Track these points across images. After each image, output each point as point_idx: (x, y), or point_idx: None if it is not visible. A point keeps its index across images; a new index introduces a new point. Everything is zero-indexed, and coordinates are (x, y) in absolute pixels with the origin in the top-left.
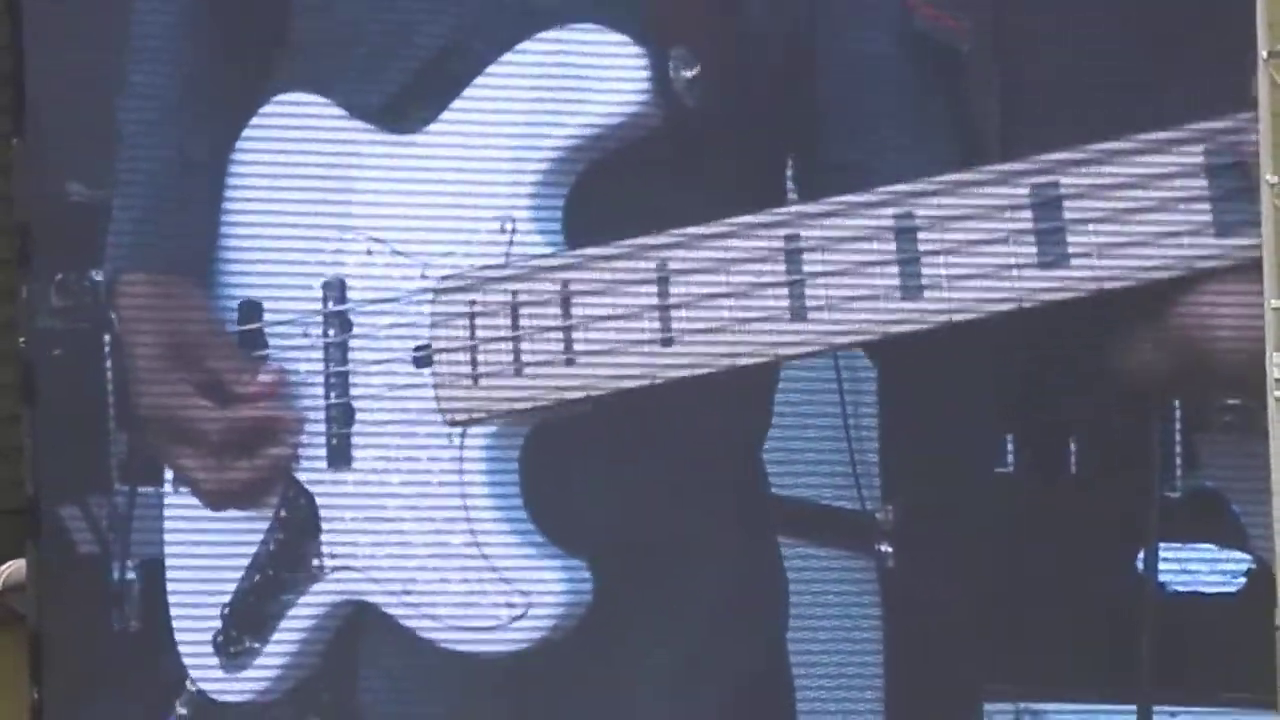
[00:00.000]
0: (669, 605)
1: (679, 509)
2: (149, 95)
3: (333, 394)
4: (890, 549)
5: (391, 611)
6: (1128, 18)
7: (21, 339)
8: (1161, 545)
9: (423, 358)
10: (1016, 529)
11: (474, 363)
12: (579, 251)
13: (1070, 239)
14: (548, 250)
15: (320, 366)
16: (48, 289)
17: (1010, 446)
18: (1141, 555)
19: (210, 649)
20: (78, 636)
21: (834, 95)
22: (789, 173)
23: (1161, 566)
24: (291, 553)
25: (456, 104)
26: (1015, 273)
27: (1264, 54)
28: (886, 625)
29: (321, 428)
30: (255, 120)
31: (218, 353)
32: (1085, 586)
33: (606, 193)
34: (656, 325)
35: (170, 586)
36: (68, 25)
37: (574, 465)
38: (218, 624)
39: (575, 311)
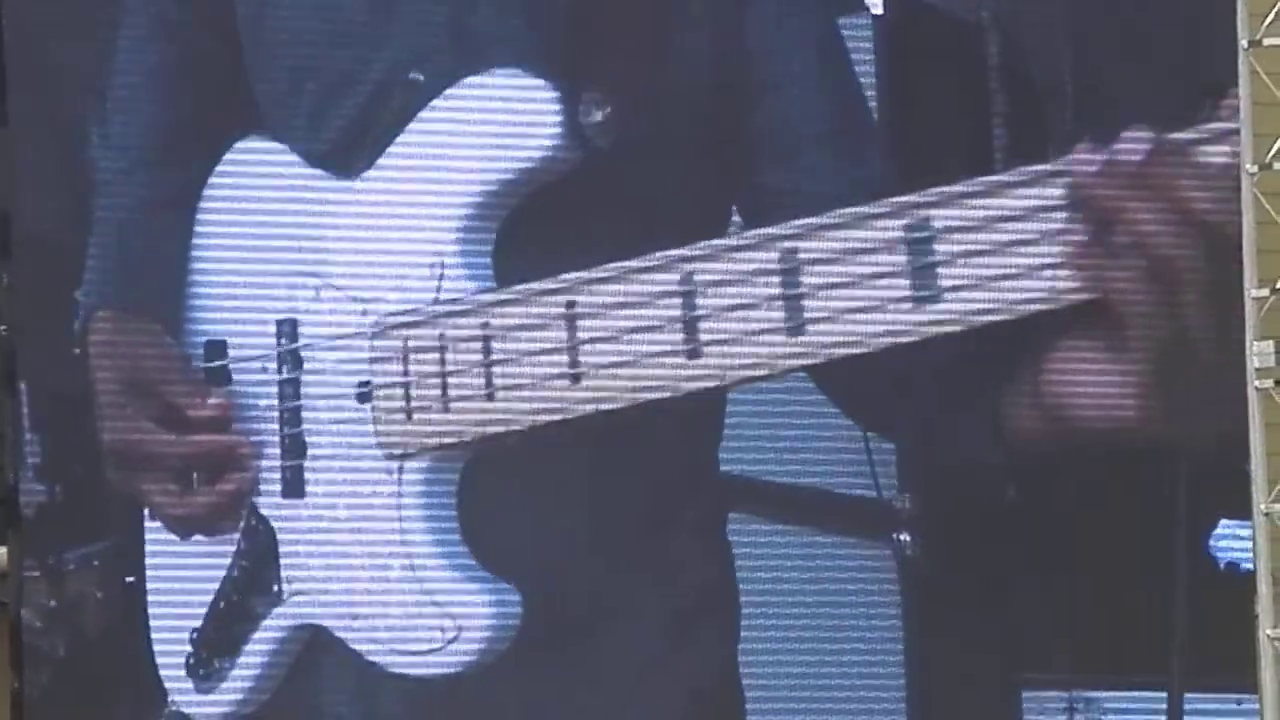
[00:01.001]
0: (604, 626)
1: (615, 533)
2: (122, 146)
3: (286, 427)
4: (909, 537)
5: (341, 635)
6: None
7: (3, 326)
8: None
9: (364, 394)
10: None
11: (407, 398)
12: (488, 295)
13: (942, 273)
14: (474, 289)
15: (275, 401)
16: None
17: None
18: None
19: (184, 672)
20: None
21: (763, 123)
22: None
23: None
24: (253, 578)
25: (392, 149)
26: (891, 307)
27: (1244, 43)
28: (907, 613)
29: (277, 460)
30: (219, 167)
31: (175, 385)
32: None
33: (532, 232)
34: (565, 360)
35: (150, 611)
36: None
37: (507, 494)
38: (189, 649)
39: (495, 348)
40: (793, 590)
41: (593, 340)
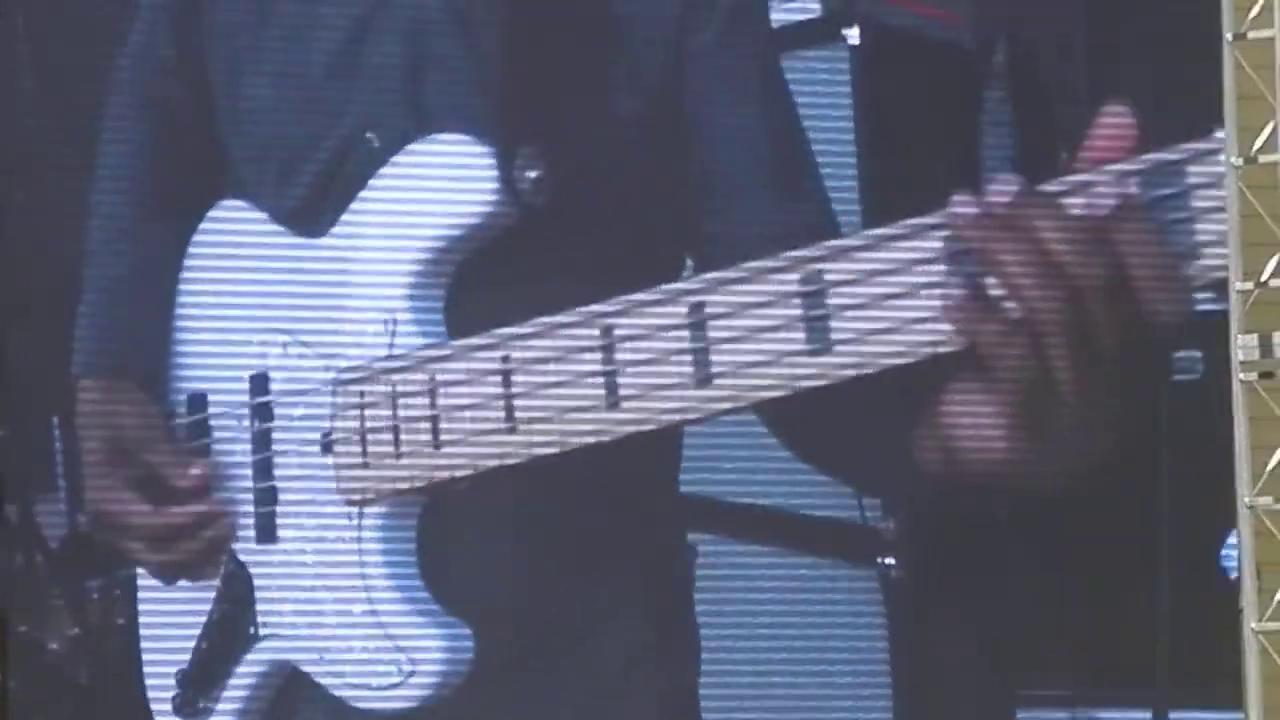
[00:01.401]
0: (559, 666)
1: (570, 573)
2: (108, 216)
3: (258, 477)
4: (893, 561)
5: (312, 673)
6: None
7: None
8: None
9: (327, 444)
10: None
11: (364, 448)
12: (431, 350)
13: (833, 325)
14: (423, 344)
15: (249, 452)
16: None
17: None
18: None
19: (170, 708)
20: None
21: (704, 172)
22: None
23: None
24: (232, 621)
25: (351, 209)
26: (787, 359)
27: (1229, 37)
28: (894, 637)
29: (251, 508)
30: (198, 234)
31: (158, 453)
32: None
33: (480, 289)
34: (502, 414)
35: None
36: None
37: (462, 536)
38: (176, 689)
39: (440, 401)
40: (774, 615)
41: (524, 393)
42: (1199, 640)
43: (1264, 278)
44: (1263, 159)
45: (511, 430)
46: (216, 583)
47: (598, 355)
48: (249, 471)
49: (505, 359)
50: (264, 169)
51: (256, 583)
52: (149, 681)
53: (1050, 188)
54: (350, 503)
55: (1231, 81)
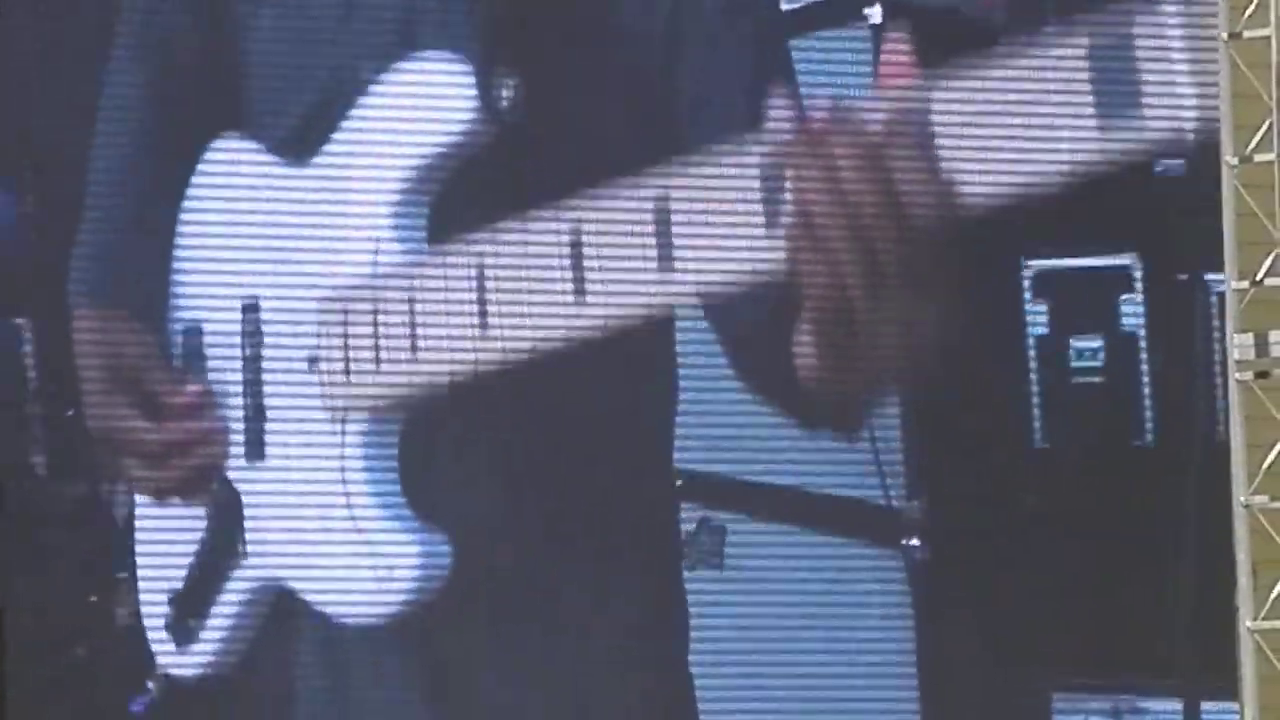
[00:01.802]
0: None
1: (553, 489)
2: (110, 153)
3: (249, 396)
4: (918, 542)
5: (296, 588)
6: None
7: None
8: None
9: (312, 360)
10: None
11: (346, 362)
12: (414, 257)
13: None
14: (406, 259)
15: (240, 373)
16: None
17: None
18: None
19: (164, 631)
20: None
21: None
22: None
23: None
24: (222, 541)
25: (336, 135)
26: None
27: (1224, 35)
28: (919, 621)
29: (242, 427)
30: (200, 167)
31: (154, 374)
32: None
33: (460, 206)
34: (476, 316)
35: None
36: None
37: (443, 451)
38: (168, 609)
39: (417, 309)
40: (795, 595)
41: (496, 295)
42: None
43: (1259, 276)
44: (1258, 158)
45: (484, 331)
46: (207, 505)
47: (566, 250)
48: (241, 391)
49: (479, 264)
50: (262, 102)
51: (245, 501)
52: (143, 606)
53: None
54: (334, 416)
55: (1227, 80)
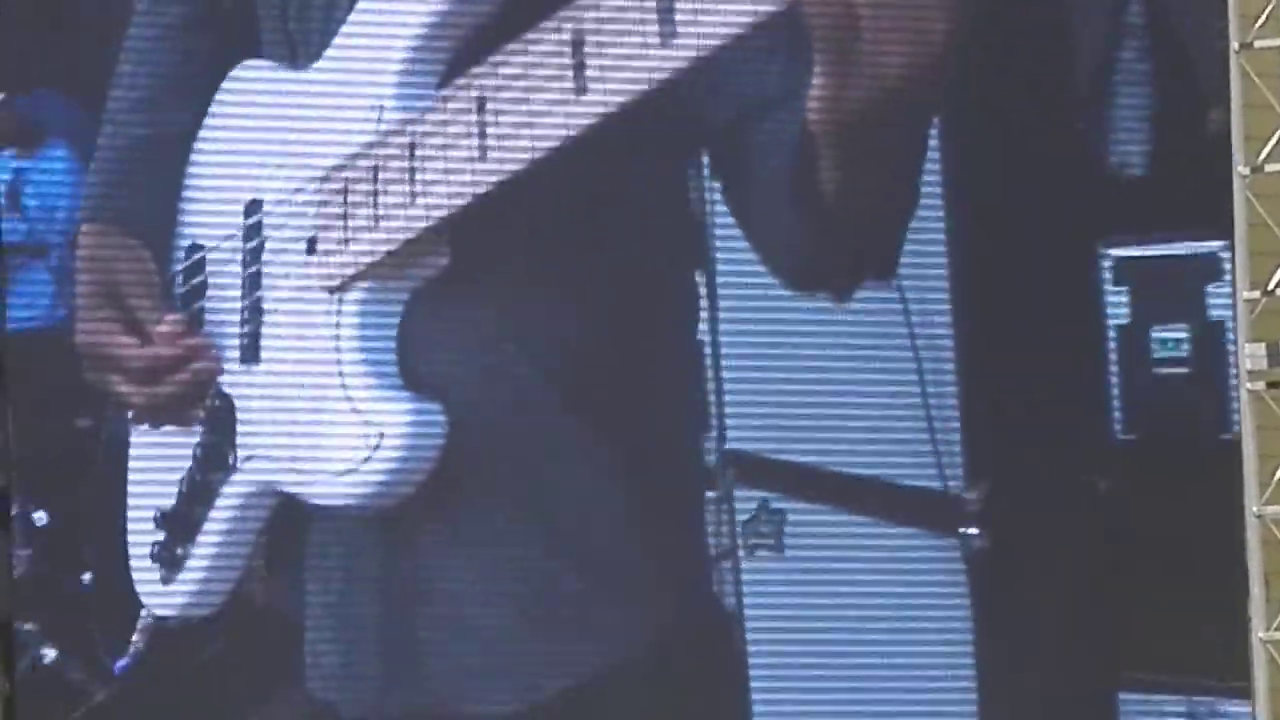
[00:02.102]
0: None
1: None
2: (131, 86)
3: (246, 294)
4: (976, 531)
5: (285, 483)
6: None
7: None
8: None
9: (311, 243)
10: None
11: (345, 228)
12: (416, 102)
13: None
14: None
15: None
16: None
17: None
18: None
19: (149, 561)
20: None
21: None
22: None
23: None
24: (214, 455)
25: (344, 25)
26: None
27: (1235, 46)
28: (977, 611)
29: (237, 329)
30: (217, 97)
31: (148, 294)
32: None
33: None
34: (475, 143)
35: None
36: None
37: (442, 328)
38: (155, 535)
39: (418, 153)
40: (849, 582)
41: (496, 117)
42: None
43: (1270, 286)
44: (1269, 168)
45: (483, 156)
46: (200, 427)
47: (566, 49)
48: (238, 294)
49: (480, 95)
50: (268, 16)
51: (238, 409)
52: (132, 548)
53: None
54: (329, 290)
55: (1238, 90)
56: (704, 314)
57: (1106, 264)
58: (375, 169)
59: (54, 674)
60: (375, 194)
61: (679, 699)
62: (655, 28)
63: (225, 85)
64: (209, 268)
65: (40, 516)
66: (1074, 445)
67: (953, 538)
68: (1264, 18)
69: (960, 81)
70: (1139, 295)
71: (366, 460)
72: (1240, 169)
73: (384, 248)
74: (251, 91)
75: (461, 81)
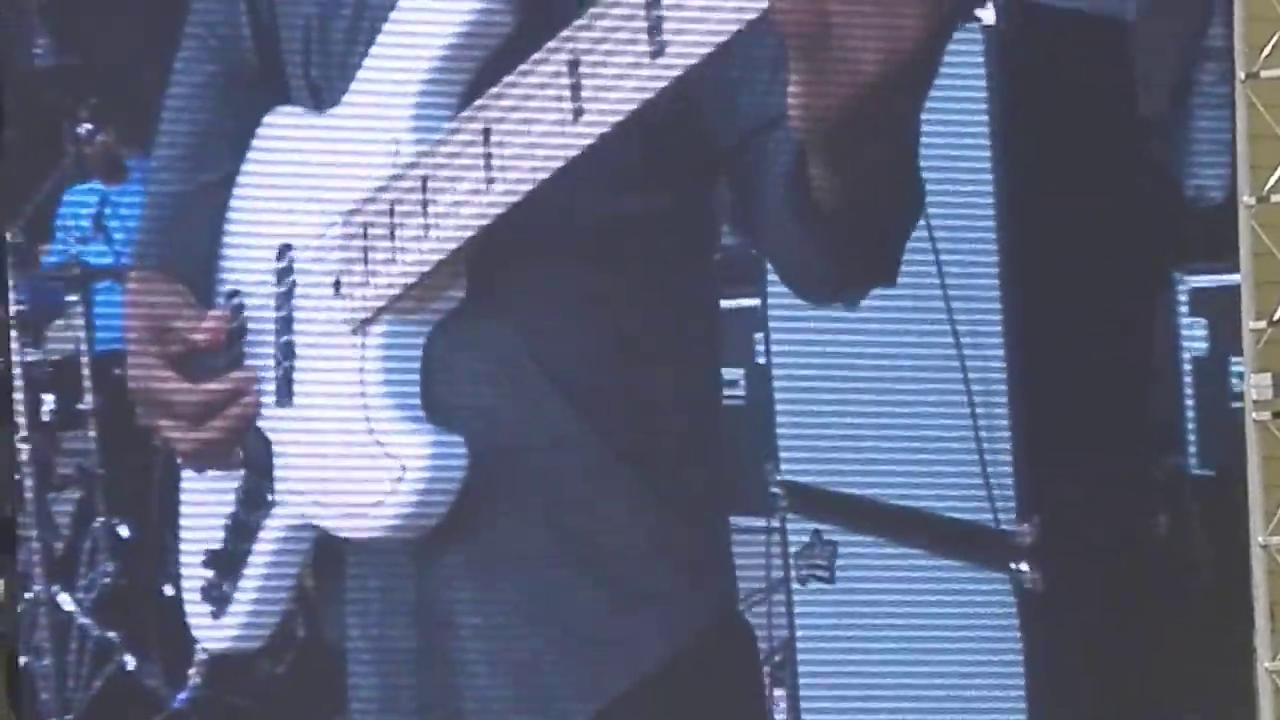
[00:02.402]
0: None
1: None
2: (172, 143)
3: (281, 336)
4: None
5: (315, 517)
6: None
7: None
8: None
9: (336, 284)
10: None
11: (365, 263)
12: (429, 135)
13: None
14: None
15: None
16: None
17: None
18: None
19: (200, 599)
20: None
21: None
22: None
23: None
24: (254, 494)
25: (363, 65)
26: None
27: (1241, 75)
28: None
29: (273, 371)
30: (253, 142)
31: (191, 330)
32: None
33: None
34: (482, 173)
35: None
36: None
37: (464, 361)
38: (203, 573)
39: (430, 186)
40: (898, 614)
41: (500, 144)
42: None
43: (1276, 316)
44: (1275, 198)
45: (490, 183)
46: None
47: (564, 75)
48: (272, 336)
49: (485, 126)
50: (291, 59)
51: (275, 449)
52: (185, 585)
53: None
54: (354, 328)
55: (1244, 121)
56: (759, 338)
57: (1182, 293)
58: (392, 206)
59: (134, 681)
60: (392, 230)
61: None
62: (646, 45)
63: (259, 132)
64: (246, 311)
65: (124, 530)
66: (1140, 479)
67: (1004, 573)
68: (1269, 48)
69: (1026, 100)
70: (1216, 326)
71: (391, 493)
72: (1246, 199)
73: (402, 282)
74: (282, 137)
75: (467, 114)
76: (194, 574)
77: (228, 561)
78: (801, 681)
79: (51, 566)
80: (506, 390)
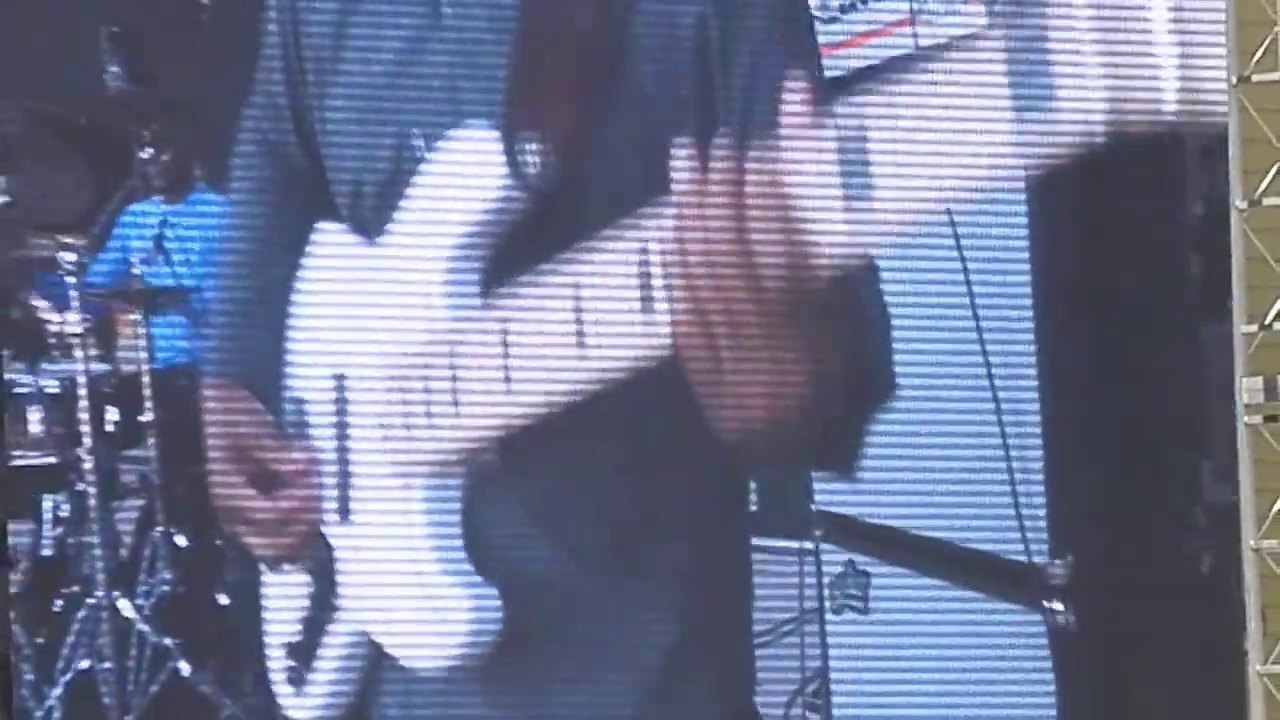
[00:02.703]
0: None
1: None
2: (233, 250)
3: (340, 463)
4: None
5: (376, 635)
6: None
7: None
8: None
9: (382, 425)
10: None
11: (406, 423)
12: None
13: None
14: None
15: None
16: None
17: None
18: None
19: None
20: None
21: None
22: None
23: None
24: (321, 594)
25: (400, 210)
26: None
27: (1233, 79)
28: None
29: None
30: (307, 254)
31: (266, 447)
32: None
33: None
34: (501, 374)
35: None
36: None
37: (505, 507)
38: (284, 660)
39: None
40: (931, 647)
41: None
42: None
43: (1268, 320)
44: (1267, 202)
45: (509, 386)
46: (310, 566)
47: (569, 304)
48: (333, 459)
49: (503, 326)
50: (340, 183)
51: (337, 559)
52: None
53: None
54: (400, 476)
55: (1236, 125)
56: None
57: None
58: (425, 374)
59: (188, 686)
60: (428, 399)
61: None
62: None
63: (311, 250)
64: (307, 418)
65: (181, 540)
66: (1183, 518)
67: (1037, 611)
68: (1261, 51)
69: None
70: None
71: (433, 643)
72: (1238, 203)
73: (436, 447)
74: (332, 256)
75: (487, 306)
76: (279, 664)
77: (305, 651)
78: (835, 714)
79: (113, 574)
80: (547, 530)
